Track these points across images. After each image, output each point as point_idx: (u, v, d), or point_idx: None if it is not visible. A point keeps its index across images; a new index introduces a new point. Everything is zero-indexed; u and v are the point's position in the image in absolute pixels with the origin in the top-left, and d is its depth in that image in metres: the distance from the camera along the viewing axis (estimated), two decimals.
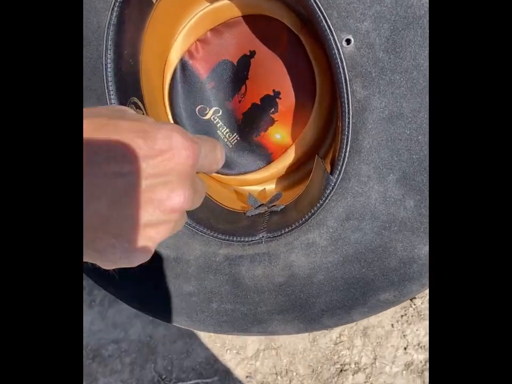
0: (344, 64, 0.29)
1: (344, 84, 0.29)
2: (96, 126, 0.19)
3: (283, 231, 0.33)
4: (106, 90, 0.33)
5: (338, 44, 0.28)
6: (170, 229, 0.20)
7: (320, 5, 0.28)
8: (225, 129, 0.43)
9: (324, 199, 0.32)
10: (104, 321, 1.06)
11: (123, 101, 0.34)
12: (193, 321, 0.40)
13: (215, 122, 0.43)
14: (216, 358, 0.99)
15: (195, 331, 1.03)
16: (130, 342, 1.02)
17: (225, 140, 0.43)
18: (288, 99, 0.39)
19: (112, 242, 0.20)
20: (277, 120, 0.41)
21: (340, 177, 0.31)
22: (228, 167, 0.43)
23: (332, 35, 0.28)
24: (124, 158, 0.19)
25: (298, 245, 0.34)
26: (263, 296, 0.37)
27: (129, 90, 0.35)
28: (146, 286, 0.39)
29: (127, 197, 0.19)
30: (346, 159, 0.31)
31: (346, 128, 0.30)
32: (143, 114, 0.37)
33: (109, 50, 0.32)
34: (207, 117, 0.43)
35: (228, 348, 1.00)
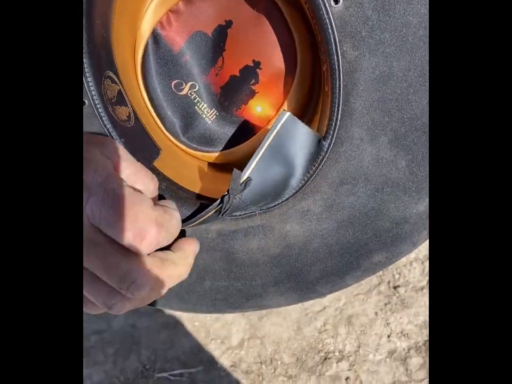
0: (334, 24, 0.28)
1: (334, 45, 0.28)
2: None
3: (278, 201, 0.33)
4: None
5: (327, 3, 0.28)
6: None
7: None
8: (203, 105, 0.41)
9: (317, 165, 0.32)
10: (86, 312, 1.04)
11: (98, 75, 0.32)
12: (185, 303, 0.39)
13: (192, 97, 0.41)
14: (200, 347, 0.99)
15: (179, 320, 1.01)
16: (113, 332, 0.99)
17: (204, 116, 0.42)
18: (269, 69, 0.38)
19: None
20: (257, 92, 0.40)
21: (333, 141, 0.31)
22: (209, 143, 0.42)
23: None
24: None
25: (293, 213, 0.34)
26: (258, 269, 0.37)
27: (103, 63, 0.33)
28: None
29: None
30: (338, 122, 0.30)
31: (337, 90, 0.30)
32: (119, 88, 0.34)
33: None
34: (183, 92, 0.41)
35: (212, 337, 0.99)
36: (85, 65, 0.31)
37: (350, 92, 0.30)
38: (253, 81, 0.39)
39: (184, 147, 0.42)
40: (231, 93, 0.40)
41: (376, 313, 0.99)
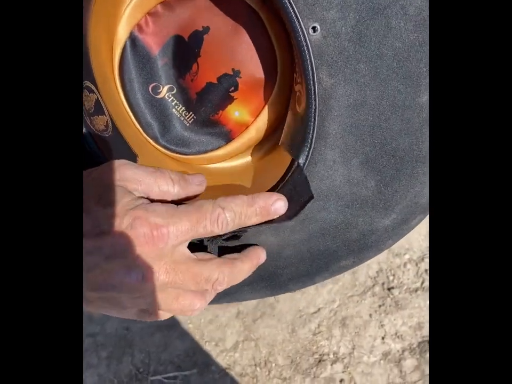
0: (311, 52, 0.29)
1: (311, 72, 0.29)
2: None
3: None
4: None
5: (305, 31, 0.28)
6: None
7: None
8: (181, 107, 0.42)
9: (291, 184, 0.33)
10: None
11: None
12: None
13: (169, 100, 0.41)
14: (194, 350, 0.98)
15: (173, 323, 1.00)
16: (107, 335, 0.98)
17: (182, 118, 0.42)
18: (249, 78, 0.39)
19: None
20: (236, 98, 0.40)
21: (307, 162, 0.32)
22: (186, 146, 0.43)
23: (299, 22, 0.28)
24: None
25: (267, 227, 0.36)
26: None
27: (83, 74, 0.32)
28: None
29: None
30: (313, 145, 0.32)
31: (313, 115, 0.31)
32: (96, 97, 0.34)
33: None
34: (160, 96, 0.41)
35: (206, 340, 0.99)
36: None
37: (324, 117, 0.31)
38: (232, 88, 0.40)
39: (163, 150, 0.42)
40: (207, 99, 0.41)
41: (370, 315, 0.98)
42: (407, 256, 1.04)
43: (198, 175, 0.32)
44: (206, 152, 0.43)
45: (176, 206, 0.28)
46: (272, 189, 0.37)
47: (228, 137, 0.42)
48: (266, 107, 0.40)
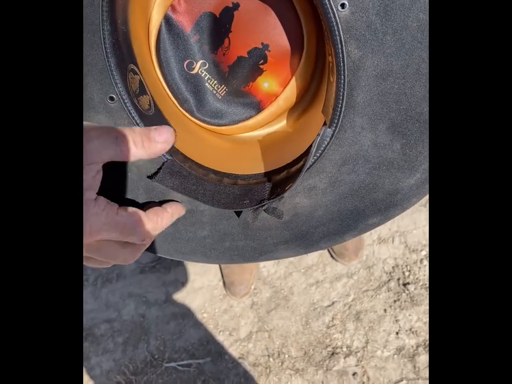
0: (340, 27, 0.31)
1: (340, 46, 0.31)
2: None
3: (286, 188, 0.37)
4: (107, 64, 0.33)
5: (334, 8, 0.30)
6: None
7: None
8: (213, 81, 0.44)
9: (322, 149, 0.36)
10: (97, 301, 1.05)
11: (124, 71, 0.35)
12: (208, 257, 0.46)
13: (202, 75, 0.44)
14: (208, 339, 1.01)
15: (188, 312, 1.04)
16: (123, 322, 1.02)
17: (214, 92, 0.45)
18: (277, 51, 0.41)
19: None
20: (265, 70, 0.43)
21: (337, 129, 0.35)
22: (219, 117, 0.46)
23: (329, 0, 0.30)
24: None
25: (301, 189, 0.39)
26: (271, 232, 0.43)
27: (126, 58, 0.35)
28: (163, 237, 0.43)
29: None
30: (342, 113, 0.34)
31: (342, 85, 0.33)
32: (140, 78, 0.37)
33: (105, 23, 0.32)
34: (194, 71, 0.44)
35: (220, 329, 1.01)
36: (112, 64, 0.34)
37: (353, 87, 0.33)
38: (262, 61, 0.42)
39: (199, 122, 0.45)
40: (239, 72, 0.43)
41: (385, 310, 0.96)
42: (423, 253, 1.02)
43: (165, 130, 0.32)
44: (238, 122, 0.46)
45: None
46: (302, 156, 0.40)
47: (258, 108, 0.45)
48: (293, 78, 0.43)
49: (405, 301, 0.99)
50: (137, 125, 0.36)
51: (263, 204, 0.36)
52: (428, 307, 0.95)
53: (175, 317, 1.09)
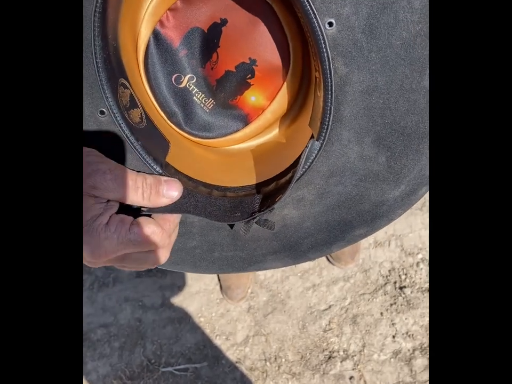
0: (327, 45, 0.32)
1: (327, 62, 0.33)
2: None
3: (276, 200, 0.38)
4: (98, 79, 0.34)
5: (322, 27, 0.31)
6: None
7: None
8: (201, 95, 0.45)
9: (310, 162, 0.37)
10: (94, 306, 1.03)
11: (114, 85, 0.35)
12: (197, 267, 0.46)
13: (190, 89, 0.44)
14: (205, 343, 1.00)
15: (185, 316, 1.03)
16: (120, 326, 1.01)
17: (202, 105, 0.45)
18: (264, 65, 0.42)
19: None
20: (253, 84, 0.44)
21: (325, 142, 0.36)
22: (207, 130, 0.46)
23: (316, 18, 0.31)
24: None
25: (290, 201, 0.40)
26: (260, 242, 0.43)
27: (117, 73, 0.36)
28: None
29: None
30: (330, 127, 0.35)
31: (330, 100, 0.34)
32: (130, 92, 0.38)
33: (96, 38, 0.32)
34: (182, 85, 0.44)
35: (217, 333, 1.01)
36: (103, 79, 0.34)
37: (340, 102, 0.34)
38: (249, 76, 0.43)
39: (187, 135, 0.46)
40: (226, 85, 0.44)
41: (381, 313, 0.96)
42: (419, 256, 1.03)
43: (175, 186, 0.35)
44: (226, 135, 0.46)
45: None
46: (290, 168, 0.41)
47: (246, 121, 0.46)
48: (280, 92, 0.44)
49: (401, 305, 0.99)
50: (128, 138, 0.36)
51: (255, 216, 0.37)
52: (424, 310, 0.96)
53: (172, 321, 1.08)
